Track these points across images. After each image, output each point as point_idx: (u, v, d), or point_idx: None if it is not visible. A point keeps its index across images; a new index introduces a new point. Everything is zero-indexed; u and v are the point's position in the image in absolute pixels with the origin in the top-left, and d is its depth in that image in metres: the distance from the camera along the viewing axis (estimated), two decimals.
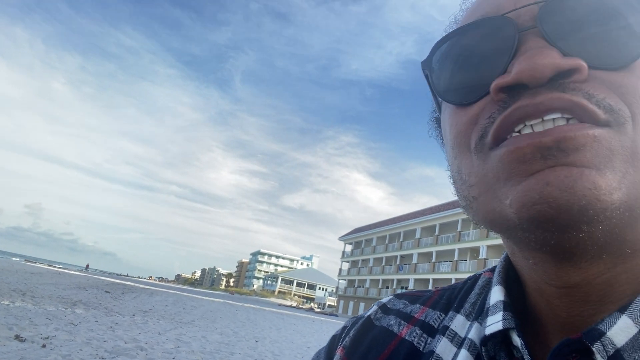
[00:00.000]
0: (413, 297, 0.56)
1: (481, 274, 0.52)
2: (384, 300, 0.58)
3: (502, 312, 0.39)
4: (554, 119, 0.32)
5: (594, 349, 0.32)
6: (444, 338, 0.45)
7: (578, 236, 0.32)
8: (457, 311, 0.48)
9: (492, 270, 0.50)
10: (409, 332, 0.49)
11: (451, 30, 0.42)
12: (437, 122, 0.50)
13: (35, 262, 77.95)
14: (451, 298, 0.52)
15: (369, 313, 0.56)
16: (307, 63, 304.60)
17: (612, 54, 0.32)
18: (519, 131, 0.33)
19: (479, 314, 0.44)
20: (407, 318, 0.52)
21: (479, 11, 0.40)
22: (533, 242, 0.34)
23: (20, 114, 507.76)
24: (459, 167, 0.39)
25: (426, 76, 0.43)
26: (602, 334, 0.32)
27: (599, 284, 0.35)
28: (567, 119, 0.32)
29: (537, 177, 0.31)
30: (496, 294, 0.42)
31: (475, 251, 46.12)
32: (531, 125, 0.33)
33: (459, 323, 0.46)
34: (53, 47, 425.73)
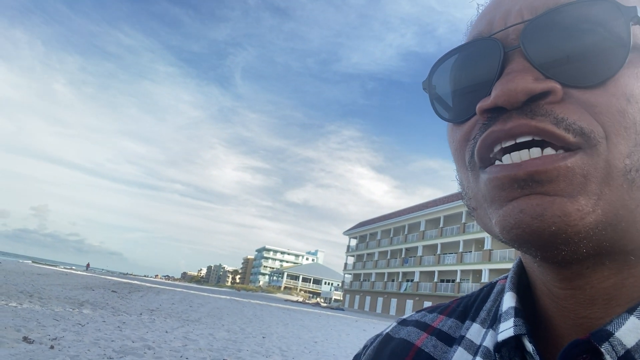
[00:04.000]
0: (432, 308, 0.57)
1: (497, 281, 0.53)
2: (405, 316, 0.59)
3: (513, 319, 0.40)
4: (526, 141, 0.34)
5: (602, 349, 0.32)
6: (460, 348, 0.46)
7: (561, 253, 0.33)
8: (474, 320, 0.49)
9: (507, 277, 0.51)
10: (425, 342, 0.50)
11: (453, 48, 0.44)
12: None
13: (40, 263, 78.33)
14: (467, 306, 0.52)
15: (387, 330, 0.57)
16: (307, 58, 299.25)
17: (587, 73, 0.33)
18: (499, 151, 0.36)
19: (494, 321, 0.45)
20: (424, 327, 0.52)
21: (476, 30, 0.42)
22: (524, 253, 0.36)
23: (22, 116, 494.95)
24: (461, 180, 0.42)
25: (427, 93, 0.45)
26: (610, 334, 0.33)
27: (605, 287, 0.36)
28: (541, 145, 0.33)
29: (514, 204, 0.33)
30: (508, 301, 0.43)
31: (480, 242, 46.04)
32: (507, 147, 0.35)
33: (474, 331, 0.47)
34: (53, 49, 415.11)
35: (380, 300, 61.72)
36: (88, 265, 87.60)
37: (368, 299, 65.36)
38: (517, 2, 0.38)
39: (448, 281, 49.35)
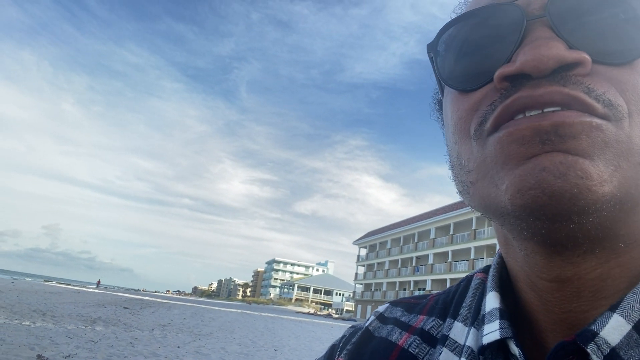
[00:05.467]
0: (409, 305, 0.56)
1: (473, 274, 0.52)
2: (381, 309, 0.57)
3: (498, 321, 0.39)
4: (553, 111, 0.32)
5: (588, 350, 0.32)
6: (445, 349, 0.45)
7: (568, 227, 0.32)
8: (455, 317, 0.48)
9: (485, 270, 0.50)
10: (408, 342, 0.49)
11: (459, 13, 0.42)
12: (439, 104, 0.50)
13: (49, 281, 78.57)
14: (447, 302, 0.52)
15: (367, 324, 0.56)
16: (311, 69, 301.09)
17: (615, 50, 0.33)
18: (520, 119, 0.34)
19: (475, 318, 0.44)
20: (405, 327, 0.51)
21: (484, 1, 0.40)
22: (525, 231, 0.34)
23: (32, 136, 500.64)
24: (459, 153, 0.39)
25: (431, 59, 0.44)
26: (595, 334, 0.32)
27: (591, 279, 0.35)
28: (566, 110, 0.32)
29: (534, 161, 0.31)
30: (491, 301, 0.42)
31: (491, 249, 45.58)
32: (531, 115, 0.33)
33: (457, 330, 0.46)
34: (60, 69, 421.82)
35: None
36: (99, 282, 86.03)
37: None
38: None
39: None
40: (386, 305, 0.57)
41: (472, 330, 0.43)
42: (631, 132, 0.32)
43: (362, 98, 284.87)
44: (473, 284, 0.50)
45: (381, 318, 0.55)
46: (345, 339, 0.56)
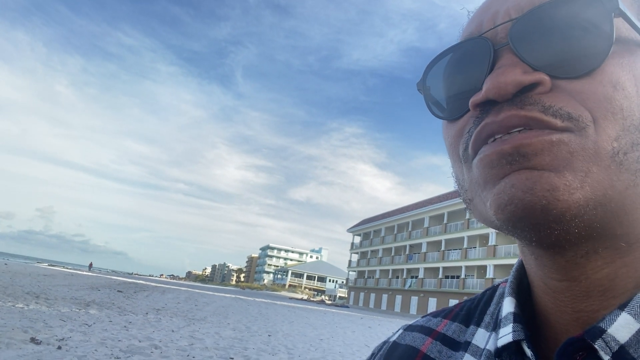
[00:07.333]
0: (436, 312, 0.58)
1: (499, 284, 0.53)
2: (411, 322, 0.59)
3: (512, 324, 0.41)
4: (519, 131, 0.35)
5: (596, 346, 0.33)
6: (466, 354, 0.46)
7: (554, 233, 0.34)
8: (478, 325, 0.49)
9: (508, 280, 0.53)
10: (430, 347, 0.51)
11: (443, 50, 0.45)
12: None
13: (40, 263, 77.99)
14: (471, 309, 0.53)
15: (394, 338, 0.57)
16: (308, 55, 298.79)
17: (574, 64, 0.35)
18: (492, 142, 0.37)
19: (496, 324, 0.46)
20: (428, 332, 0.53)
21: (466, 32, 0.44)
22: (520, 239, 0.37)
23: (25, 118, 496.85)
24: (456, 174, 0.43)
25: (421, 93, 0.47)
26: (603, 331, 0.33)
27: (599, 278, 0.36)
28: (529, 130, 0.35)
29: (506, 180, 0.34)
30: (507, 306, 0.44)
31: (484, 238, 45.91)
32: (495, 140, 0.36)
33: (479, 337, 0.48)
34: (54, 50, 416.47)
35: (385, 297, 61.76)
36: (91, 264, 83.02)
37: (373, 296, 65.36)
38: (504, 3, 0.40)
39: (453, 277, 49.28)
40: (417, 319, 0.59)
41: (493, 335, 0.45)
42: (597, 137, 0.33)
43: (358, 85, 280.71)
44: (498, 293, 0.52)
45: (409, 328, 0.57)
46: (374, 355, 0.58)
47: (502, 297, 0.50)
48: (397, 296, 58.35)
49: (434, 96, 0.45)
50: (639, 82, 0.35)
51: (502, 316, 0.44)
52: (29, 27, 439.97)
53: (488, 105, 0.37)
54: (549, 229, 0.33)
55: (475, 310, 0.52)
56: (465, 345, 0.48)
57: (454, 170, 0.44)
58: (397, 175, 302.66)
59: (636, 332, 0.33)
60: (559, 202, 0.32)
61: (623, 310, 0.34)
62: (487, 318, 0.49)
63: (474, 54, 0.40)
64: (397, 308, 57.21)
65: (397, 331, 0.58)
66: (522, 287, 0.46)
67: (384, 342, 0.59)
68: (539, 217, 0.33)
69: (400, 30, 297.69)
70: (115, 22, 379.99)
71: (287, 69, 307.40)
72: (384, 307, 61.00)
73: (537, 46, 0.36)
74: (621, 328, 0.33)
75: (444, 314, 0.56)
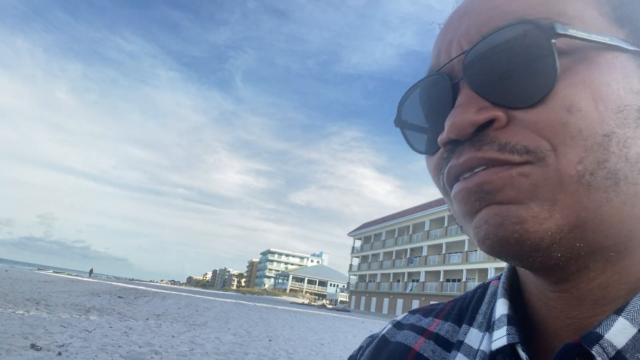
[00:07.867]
0: (426, 311, 0.57)
1: (490, 282, 0.53)
2: (398, 318, 0.59)
3: (506, 327, 0.41)
4: (484, 169, 0.35)
5: (593, 352, 0.33)
6: (459, 354, 0.46)
7: (536, 260, 0.34)
8: (470, 324, 0.49)
9: (500, 277, 0.51)
10: (423, 346, 0.50)
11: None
12: None
13: (43, 270, 77.73)
14: (462, 308, 0.53)
15: (383, 332, 0.57)
16: (308, 59, 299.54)
17: (526, 93, 0.34)
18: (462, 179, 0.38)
19: (489, 324, 0.46)
20: (421, 331, 0.53)
21: (432, 59, 0.44)
22: (509, 263, 0.37)
23: (25, 124, 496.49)
24: (446, 202, 0.43)
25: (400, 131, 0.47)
26: (600, 337, 0.33)
27: (591, 288, 0.36)
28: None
29: (479, 215, 0.35)
30: (500, 308, 0.44)
31: None
32: (462, 179, 0.37)
33: (472, 336, 0.47)
34: (54, 56, 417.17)
35: (386, 301, 61.60)
36: (91, 270, 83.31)
37: (374, 300, 65.19)
38: (457, 31, 0.40)
39: (454, 280, 49.20)
40: (405, 314, 0.59)
41: (487, 335, 0.45)
42: (559, 164, 0.33)
43: (358, 89, 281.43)
44: (489, 291, 0.52)
45: (398, 325, 0.56)
46: (362, 349, 0.57)
47: (493, 296, 0.50)
48: (398, 300, 58.18)
49: (411, 131, 0.45)
50: (597, 96, 0.33)
51: (496, 318, 0.44)
52: (28, 33, 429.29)
53: (453, 144, 0.37)
54: (530, 257, 0.34)
55: (467, 309, 0.52)
56: (457, 345, 0.48)
57: (444, 199, 0.44)
58: (398, 179, 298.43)
59: (633, 336, 0.33)
60: (530, 233, 0.32)
61: (620, 315, 0.34)
62: (479, 318, 0.49)
63: (436, 89, 0.40)
64: (399, 312, 56.91)
65: (386, 326, 0.58)
66: (514, 287, 0.46)
67: (372, 336, 0.58)
68: (515, 249, 0.33)
69: (399, 34, 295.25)
70: (115, 28, 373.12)
71: (287, 73, 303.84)
72: (385, 311, 60.83)
73: (489, 78, 0.36)
74: (618, 333, 0.33)
75: (435, 312, 0.55)
